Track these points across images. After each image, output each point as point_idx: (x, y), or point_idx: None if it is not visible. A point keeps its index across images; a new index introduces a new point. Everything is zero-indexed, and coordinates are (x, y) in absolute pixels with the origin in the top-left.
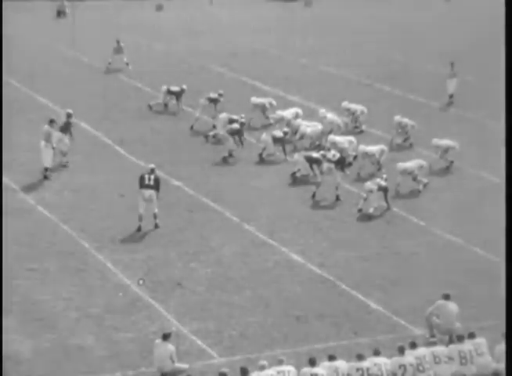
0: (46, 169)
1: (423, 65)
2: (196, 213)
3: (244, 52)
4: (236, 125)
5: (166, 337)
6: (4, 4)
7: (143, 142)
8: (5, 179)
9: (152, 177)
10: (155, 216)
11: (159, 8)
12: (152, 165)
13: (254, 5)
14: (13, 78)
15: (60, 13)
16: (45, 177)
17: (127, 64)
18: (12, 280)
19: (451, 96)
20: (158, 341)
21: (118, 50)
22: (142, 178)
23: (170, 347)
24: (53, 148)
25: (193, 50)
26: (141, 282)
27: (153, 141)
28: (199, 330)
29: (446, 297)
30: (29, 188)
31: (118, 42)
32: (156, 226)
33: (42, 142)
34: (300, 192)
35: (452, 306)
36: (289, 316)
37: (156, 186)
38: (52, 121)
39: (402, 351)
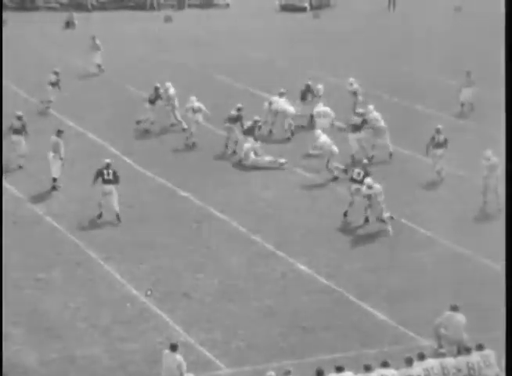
0: (54, 180)
1: (432, 76)
2: (203, 224)
3: (252, 63)
4: (233, 113)
5: (174, 347)
6: (13, 15)
7: (151, 152)
8: (13, 189)
9: (110, 172)
10: (116, 212)
11: (167, 19)
12: (107, 160)
13: (262, 16)
14: (22, 89)
15: (69, 24)
16: (54, 187)
17: (99, 66)
18: (19, 289)
19: (463, 105)
20: (166, 351)
21: (95, 47)
22: (101, 173)
23: (178, 358)
24: (61, 159)
25: (202, 61)
26: (149, 293)
27: (161, 152)
28: (206, 341)
29: (454, 308)
30: (37, 198)
31: (94, 39)
32: (118, 219)
33: (51, 153)
34: (308, 202)
35: (460, 317)
36: (296, 327)
37: (116, 179)
38: (59, 132)
39: (409, 362)
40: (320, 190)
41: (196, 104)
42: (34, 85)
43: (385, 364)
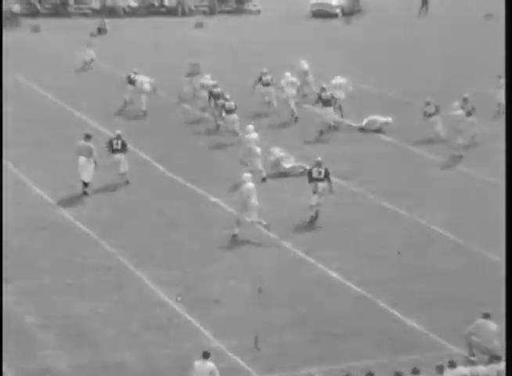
0: (86, 184)
1: (463, 82)
2: (234, 230)
3: (283, 69)
4: (216, 90)
5: (206, 355)
6: (45, 21)
7: (181, 158)
8: (44, 195)
9: (119, 142)
10: (125, 174)
11: (199, 25)
12: (118, 131)
13: (293, 22)
14: (53, 95)
15: (101, 31)
16: (85, 193)
17: (91, 60)
18: (50, 295)
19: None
20: (197, 362)
21: (91, 44)
22: (111, 144)
23: (210, 365)
24: (95, 163)
25: (232, 67)
26: (179, 299)
27: (191, 157)
28: (236, 347)
29: (486, 316)
30: (68, 204)
31: (93, 35)
32: (127, 183)
33: (82, 158)
34: (338, 209)
35: (492, 325)
36: (327, 334)
37: (124, 149)
38: (87, 137)
39: (440, 370)
40: (351, 197)
41: (211, 82)
42: (65, 91)
43: (416, 371)
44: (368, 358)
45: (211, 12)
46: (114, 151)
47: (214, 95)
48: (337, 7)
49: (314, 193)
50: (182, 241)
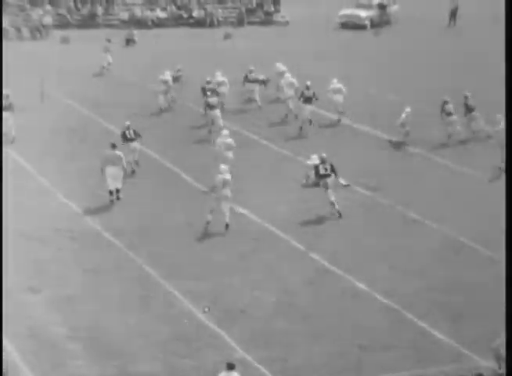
0: (118, 190)
1: (492, 94)
2: (261, 241)
3: (312, 80)
4: (206, 85)
5: (231, 366)
6: (74, 32)
7: (209, 169)
8: (71, 204)
9: (131, 131)
10: (136, 163)
11: (227, 36)
12: (127, 122)
13: (322, 33)
14: (82, 105)
15: (129, 42)
16: (118, 198)
17: (108, 64)
18: (78, 305)
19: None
20: (222, 374)
21: (108, 49)
22: (124, 135)
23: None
24: (125, 170)
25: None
26: (206, 309)
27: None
28: (263, 359)
29: None
30: (95, 213)
31: (109, 41)
32: (133, 172)
33: (112, 167)
34: (367, 220)
35: None
36: (354, 346)
37: (136, 136)
38: (114, 146)
39: None
40: (378, 209)
41: (221, 78)
42: (93, 101)
43: None
44: (395, 370)
45: (240, 23)
46: (129, 140)
47: (205, 91)
48: (365, 19)
49: (326, 190)
50: (210, 252)
